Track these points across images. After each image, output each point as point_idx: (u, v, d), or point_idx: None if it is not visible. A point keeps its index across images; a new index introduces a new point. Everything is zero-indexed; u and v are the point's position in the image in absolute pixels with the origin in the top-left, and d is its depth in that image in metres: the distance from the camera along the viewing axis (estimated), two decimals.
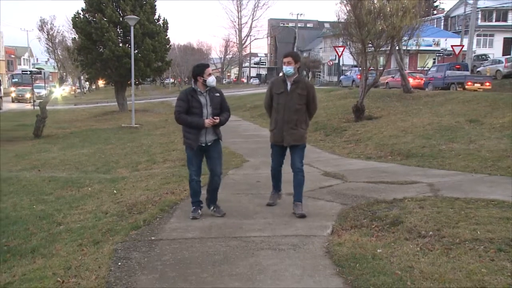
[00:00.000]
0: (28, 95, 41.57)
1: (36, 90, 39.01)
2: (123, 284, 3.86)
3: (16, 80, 53.60)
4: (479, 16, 43.24)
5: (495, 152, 9.24)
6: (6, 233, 5.89)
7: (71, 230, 5.77)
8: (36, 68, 46.55)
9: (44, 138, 17.22)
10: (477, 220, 5.05)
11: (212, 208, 5.79)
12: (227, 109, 5.67)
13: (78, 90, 57.04)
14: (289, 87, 5.63)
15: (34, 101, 33.39)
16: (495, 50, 44.41)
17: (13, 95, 42.69)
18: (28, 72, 39.32)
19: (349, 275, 3.93)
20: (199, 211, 5.69)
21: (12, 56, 76.33)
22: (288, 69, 5.59)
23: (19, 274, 4.50)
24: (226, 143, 12.44)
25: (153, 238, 4.98)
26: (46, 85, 39.92)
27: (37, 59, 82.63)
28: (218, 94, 5.53)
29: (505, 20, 47.12)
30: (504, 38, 46.51)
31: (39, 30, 19.39)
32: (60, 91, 23.59)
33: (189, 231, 5.19)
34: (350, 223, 5.38)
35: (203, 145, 5.49)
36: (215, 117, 5.41)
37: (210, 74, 5.39)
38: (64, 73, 20.13)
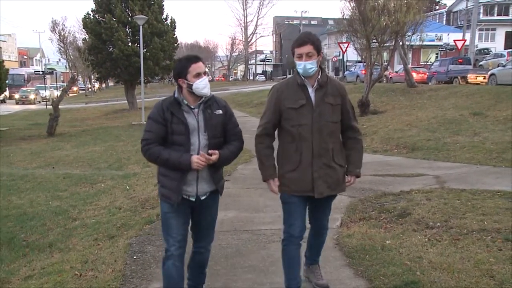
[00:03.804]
0: (32, 96, 41.58)
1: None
2: (139, 277, 3.97)
3: (7, 81, 52.78)
4: (481, 10, 43.07)
5: (500, 144, 9.31)
6: (24, 228, 6.02)
7: (86, 225, 5.89)
8: (48, 69, 46.45)
9: (57, 136, 17.45)
10: (484, 211, 5.13)
11: None
12: (237, 136, 3.30)
13: (89, 90, 57.31)
14: (312, 95, 3.26)
15: (41, 101, 33.43)
16: (497, 44, 44.32)
17: (17, 96, 42.02)
18: (41, 73, 39.63)
19: (359, 266, 4.02)
20: None
21: (25, 57, 77.38)
22: (309, 66, 3.18)
23: (38, 268, 4.61)
24: None
25: None
26: (47, 85, 39.96)
27: (48, 59, 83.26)
28: (220, 112, 3.19)
29: (507, 14, 47.02)
30: (506, 32, 46.41)
31: (51, 31, 19.67)
32: (56, 92, 23.91)
33: None
34: (359, 215, 5.48)
35: (192, 199, 3.19)
36: (211, 151, 3.08)
37: (199, 75, 3.09)
38: (75, 73, 20.30)
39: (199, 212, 3.30)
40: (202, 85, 3.08)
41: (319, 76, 3.27)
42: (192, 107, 3.14)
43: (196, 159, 3.02)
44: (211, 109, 3.17)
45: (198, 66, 3.10)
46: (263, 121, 3.36)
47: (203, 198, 3.22)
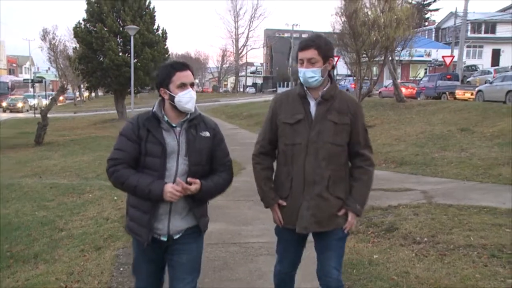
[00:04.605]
0: (20, 104, 41.52)
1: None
2: None
3: None
4: (469, 28, 43.83)
5: (486, 160, 9.42)
6: (8, 239, 5.92)
7: (73, 236, 5.82)
8: (37, 77, 46.25)
9: (45, 146, 17.27)
10: (470, 226, 5.19)
11: None
12: (226, 167, 2.72)
13: (78, 99, 57.11)
14: (313, 109, 2.72)
15: (29, 110, 33.50)
16: (484, 61, 45.22)
17: (4, 104, 41.91)
18: (30, 81, 39.78)
19: (346, 280, 4.01)
20: None
21: (14, 65, 77.07)
22: (309, 74, 2.65)
23: (22, 279, 4.53)
24: None
25: None
26: (35, 94, 40.16)
27: (38, 67, 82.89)
28: (207, 134, 2.64)
29: (494, 32, 48.04)
30: (493, 49, 47.48)
31: (42, 40, 19.70)
32: (44, 101, 23.91)
33: None
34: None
35: (163, 239, 2.61)
36: (191, 180, 2.49)
37: (183, 85, 2.56)
38: (65, 82, 20.32)
39: (171, 252, 2.63)
40: (186, 99, 2.53)
41: (327, 88, 2.71)
42: (174, 125, 2.58)
43: (170, 188, 2.43)
44: (197, 129, 2.61)
45: (184, 75, 2.56)
46: (259, 137, 2.89)
47: (176, 237, 2.60)
